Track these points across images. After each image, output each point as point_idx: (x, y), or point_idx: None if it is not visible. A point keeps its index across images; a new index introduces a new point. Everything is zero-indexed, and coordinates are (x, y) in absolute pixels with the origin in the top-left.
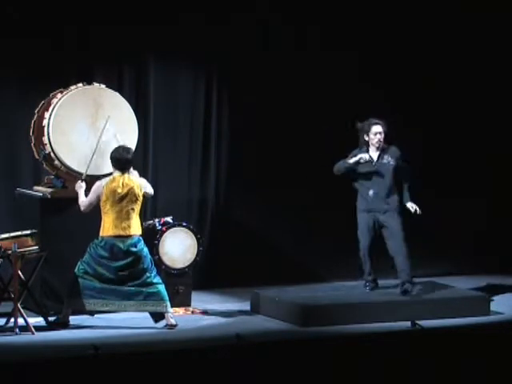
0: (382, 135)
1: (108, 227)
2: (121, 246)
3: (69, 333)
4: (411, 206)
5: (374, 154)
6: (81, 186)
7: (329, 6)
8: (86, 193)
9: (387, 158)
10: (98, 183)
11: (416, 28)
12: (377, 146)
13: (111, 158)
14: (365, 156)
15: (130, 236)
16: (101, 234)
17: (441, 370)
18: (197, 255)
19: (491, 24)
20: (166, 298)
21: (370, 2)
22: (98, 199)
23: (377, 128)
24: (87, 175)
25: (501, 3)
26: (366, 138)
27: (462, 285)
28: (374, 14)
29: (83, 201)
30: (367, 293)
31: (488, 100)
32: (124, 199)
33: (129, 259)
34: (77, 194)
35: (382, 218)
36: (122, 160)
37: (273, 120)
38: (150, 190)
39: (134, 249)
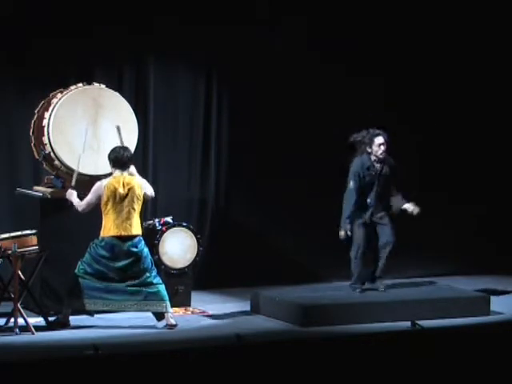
0: (385, 146)
1: (109, 227)
2: (121, 246)
3: (69, 333)
4: (408, 207)
5: (376, 164)
6: (71, 194)
7: (330, 7)
8: (86, 193)
9: (386, 169)
10: (98, 183)
11: (416, 28)
12: (381, 157)
13: (110, 157)
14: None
15: (131, 236)
16: (102, 234)
17: (441, 370)
18: (197, 255)
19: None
20: (166, 297)
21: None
22: (99, 199)
23: (380, 139)
24: (79, 174)
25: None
26: (369, 150)
27: (462, 285)
28: (371, 14)
29: (79, 203)
30: (367, 293)
31: (489, 104)
32: (125, 199)
33: (129, 259)
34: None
35: (376, 220)
36: (121, 159)
37: (273, 120)
38: (151, 192)
39: (134, 249)
